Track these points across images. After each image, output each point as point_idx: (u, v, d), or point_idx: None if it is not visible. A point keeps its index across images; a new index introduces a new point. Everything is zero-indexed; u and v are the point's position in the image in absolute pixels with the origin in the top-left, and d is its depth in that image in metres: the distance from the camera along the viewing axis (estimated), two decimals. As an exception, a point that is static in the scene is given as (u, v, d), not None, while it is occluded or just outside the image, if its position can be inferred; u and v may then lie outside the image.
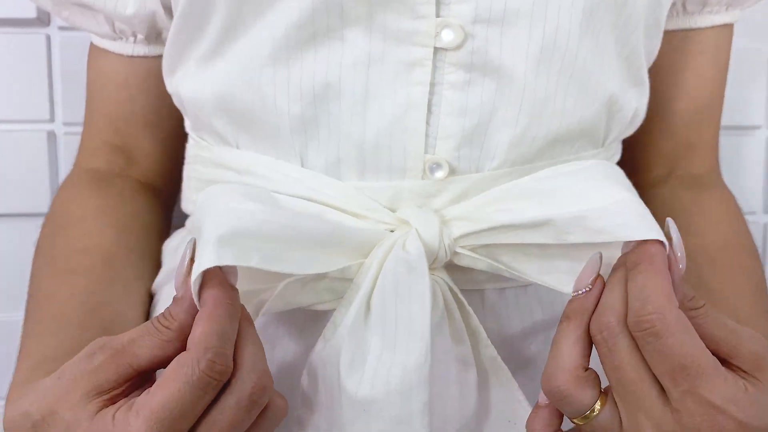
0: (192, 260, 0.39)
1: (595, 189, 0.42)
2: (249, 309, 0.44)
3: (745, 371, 0.37)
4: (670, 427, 0.36)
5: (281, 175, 0.46)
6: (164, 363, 0.38)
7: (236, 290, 0.39)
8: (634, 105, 0.50)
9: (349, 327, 0.42)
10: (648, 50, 0.50)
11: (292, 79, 0.44)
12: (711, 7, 0.56)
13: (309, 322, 0.47)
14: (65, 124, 0.74)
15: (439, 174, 0.45)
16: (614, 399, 0.38)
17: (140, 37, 0.55)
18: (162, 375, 0.37)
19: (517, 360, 0.48)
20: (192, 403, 0.36)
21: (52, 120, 0.75)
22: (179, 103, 0.52)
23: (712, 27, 0.57)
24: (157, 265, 0.56)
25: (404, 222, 0.44)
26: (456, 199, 0.45)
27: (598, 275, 0.40)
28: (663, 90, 0.58)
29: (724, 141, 0.82)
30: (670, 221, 0.39)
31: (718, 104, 0.60)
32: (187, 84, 0.49)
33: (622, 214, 0.40)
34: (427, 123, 0.44)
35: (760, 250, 0.85)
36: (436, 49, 0.44)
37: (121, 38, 0.56)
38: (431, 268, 0.44)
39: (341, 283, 0.45)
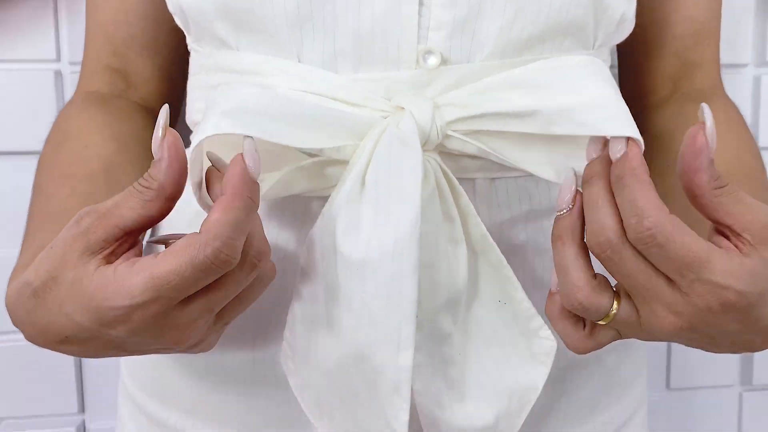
0: (165, 126, 0.41)
1: (583, 84, 0.45)
2: None
3: (751, 243, 0.40)
4: (682, 306, 0.40)
5: (280, 72, 0.48)
6: (148, 223, 0.41)
7: (257, 184, 0.41)
8: (622, 8, 0.52)
9: (345, 198, 0.44)
10: None
11: None
12: None
13: (308, 214, 0.49)
14: (71, 63, 0.77)
15: (432, 61, 0.47)
16: (627, 294, 0.42)
17: None
18: (172, 246, 0.39)
19: (505, 246, 0.50)
20: (190, 281, 0.38)
21: (58, 60, 0.77)
22: (182, 17, 0.54)
23: None
24: None
25: (399, 108, 0.46)
26: (448, 89, 0.47)
27: (577, 191, 0.43)
28: (661, 15, 0.60)
29: (712, 78, 0.84)
30: (704, 106, 0.41)
31: (716, 23, 0.63)
32: None
33: (605, 110, 0.43)
34: (419, 14, 0.47)
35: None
36: None
37: None
38: (424, 150, 0.46)
39: (339, 168, 0.47)
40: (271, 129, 0.42)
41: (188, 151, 0.42)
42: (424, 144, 0.46)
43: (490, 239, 0.48)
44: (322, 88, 0.47)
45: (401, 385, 0.43)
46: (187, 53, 0.58)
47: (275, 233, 0.50)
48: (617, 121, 0.42)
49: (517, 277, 0.49)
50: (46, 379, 0.81)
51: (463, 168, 0.49)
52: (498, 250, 0.48)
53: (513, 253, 0.51)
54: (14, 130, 0.77)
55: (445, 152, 0.48)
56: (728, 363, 0.90)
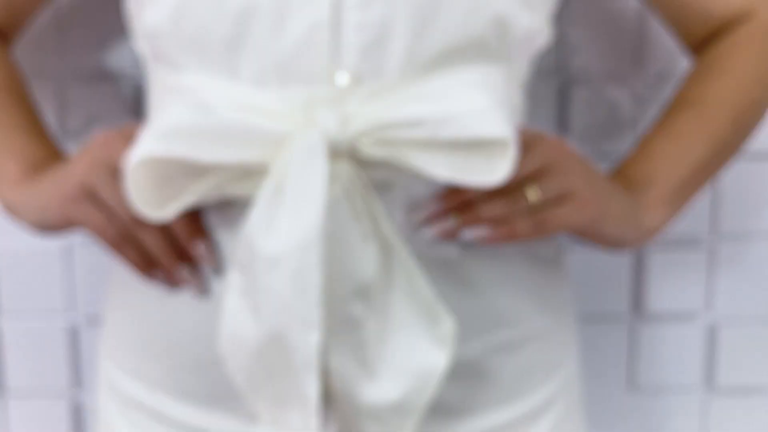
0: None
1: (465, 95, 0.53)
2: (188, 196, 0.53)
3: None
4: None
5: (216, 89, 0.55)
6: None
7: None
8: (525, 26, 0.56)
9: (265, 203, 0.52)
10: None
11: (221, 4, 0.53)
12: None
13: (244, 217, 0.54)
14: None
15: (344, 80, 0.53)
16: None
17: None
18: None
19: (422, 244, 0.56)
20: None
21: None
22: (147, 40, 0.58)
23: None
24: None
25: (315, 121, 0.52)
26: (361, 103, 0.53)
27: None
28: None
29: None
30: None
31: None
32: (149, 16, 0.56)
33: (482, 116, 0.51)
34: (333, 39, 0.53)
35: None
36: None
37: None
38: (336, 158, 0.52)
39: (264, 174, 0.53)
40: (198, 148, 0.50)
41: None
42: (335, 153, 0.51)
43: (396, 238, 0.53)
44: (252, 103, 0.54)
45: (311, 360, 0.51)
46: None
47: (226, 236, 0.57)
48: (493, 127, 0.50)
49: (430, 268, 0.55)
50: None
51: (380, 174, 0.54)
52: (403, 248, 0.53)
53: (430, 246, 0.57)
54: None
55: (362, 160, 0.53)
56: (692, 364, 0.91)
